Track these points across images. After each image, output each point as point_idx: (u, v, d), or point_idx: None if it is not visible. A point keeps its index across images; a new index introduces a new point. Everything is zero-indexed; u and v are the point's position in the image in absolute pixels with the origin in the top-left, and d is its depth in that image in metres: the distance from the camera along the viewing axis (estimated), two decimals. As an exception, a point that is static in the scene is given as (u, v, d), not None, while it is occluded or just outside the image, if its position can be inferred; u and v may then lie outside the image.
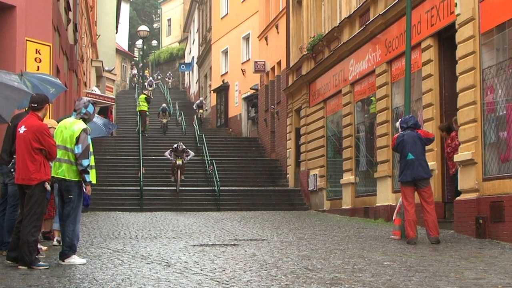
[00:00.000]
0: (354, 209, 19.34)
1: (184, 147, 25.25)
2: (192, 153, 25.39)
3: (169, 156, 24.94)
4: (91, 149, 8.90)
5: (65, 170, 8.82)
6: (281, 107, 28.57)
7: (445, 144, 13.66)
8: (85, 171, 8.74)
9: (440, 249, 10.38)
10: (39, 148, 8.39)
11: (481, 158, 12.06)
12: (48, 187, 8.49)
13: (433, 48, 14.54)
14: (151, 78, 54.64)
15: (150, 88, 47.50)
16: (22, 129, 8.54)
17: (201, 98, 43.10)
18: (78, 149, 8.73)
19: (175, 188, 24.70)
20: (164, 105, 36.93)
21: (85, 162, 8.72)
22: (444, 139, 13.75)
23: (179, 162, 24.63)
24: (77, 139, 8.75)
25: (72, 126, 8.89)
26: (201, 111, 39.85)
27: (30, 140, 8.39)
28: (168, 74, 62.90)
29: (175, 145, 25.12)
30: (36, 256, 8.39)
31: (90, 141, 8.84)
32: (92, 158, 8.93)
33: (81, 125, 8.88)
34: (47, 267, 8.26)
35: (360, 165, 19.67)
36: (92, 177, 8.88)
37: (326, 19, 22.29)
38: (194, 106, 40.77)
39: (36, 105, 8.64)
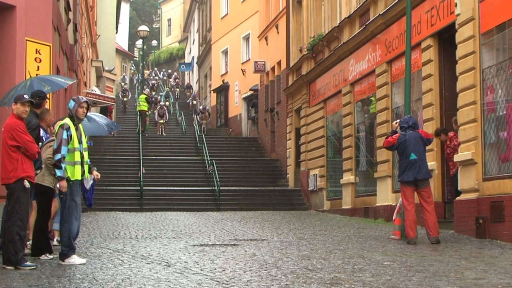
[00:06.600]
0: (354, 209, 19.33)
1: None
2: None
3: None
4: (76, 145, 8.82)
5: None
6: (281, 107, 28.55)
7: (445, 146, 13.68)
8: (55, 165, 8.71)
9: (440, 249, 10.37)
10: (15, 145, 8.32)
11: (481, 158, 12.06)
12: (27, 184, 8.36)
13: (433, 48, 14.54)
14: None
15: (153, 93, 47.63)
16: (1, 131, 8.60)
17: None
18: (55, 145, 8.79)
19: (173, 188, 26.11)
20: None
21: (56, 157, 8.70)
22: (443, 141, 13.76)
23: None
24: (56, 135, 8.85)
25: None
26: None
27: (6, 138, 8.38)
28: (202, 107, 38.76)
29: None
30: (23, 256, 8.32)
31: (66, 136, 8.74)
32: (77, 153, 8.84)
33: (62, 122, 8.94)
34: (34, 267, 8.22)
35: (360, 165, 19.67)
36: (72, 173, 8.78)
37: (326, 19, 22.28)
38: None
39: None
